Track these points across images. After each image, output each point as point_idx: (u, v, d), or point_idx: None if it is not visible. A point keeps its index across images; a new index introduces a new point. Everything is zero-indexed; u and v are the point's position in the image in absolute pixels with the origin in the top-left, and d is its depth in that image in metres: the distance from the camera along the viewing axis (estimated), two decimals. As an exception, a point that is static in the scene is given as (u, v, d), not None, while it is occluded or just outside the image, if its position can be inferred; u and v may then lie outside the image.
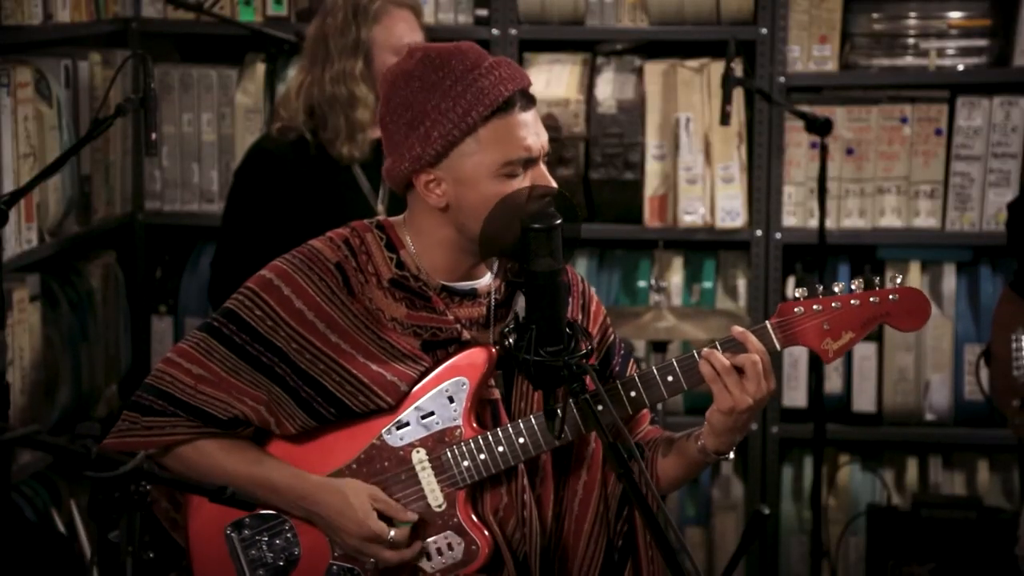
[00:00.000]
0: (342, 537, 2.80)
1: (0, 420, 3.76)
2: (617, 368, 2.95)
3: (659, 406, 4.04)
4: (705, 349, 2.77)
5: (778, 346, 2.79)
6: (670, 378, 2.79)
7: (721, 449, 2.82)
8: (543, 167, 2.78)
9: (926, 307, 2.78)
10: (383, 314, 2.80)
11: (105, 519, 2.34)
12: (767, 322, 2.79)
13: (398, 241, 2.84)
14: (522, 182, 2.75)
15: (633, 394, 2.80)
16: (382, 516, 2.80)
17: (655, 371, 2.80)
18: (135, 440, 2.81)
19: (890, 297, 2.77)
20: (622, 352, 2.98)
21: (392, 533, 2.79)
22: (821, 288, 2.79)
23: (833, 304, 2.78)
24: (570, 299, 2.88)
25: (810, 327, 2.78)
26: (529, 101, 2.77)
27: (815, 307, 2.78)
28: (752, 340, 2.76)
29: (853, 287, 2.78)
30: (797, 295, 2.79)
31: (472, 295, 2.85)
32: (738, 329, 2.77)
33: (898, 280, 2.78)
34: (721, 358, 2.74)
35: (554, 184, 2.77)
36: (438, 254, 2.82)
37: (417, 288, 2.81)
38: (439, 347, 2.82)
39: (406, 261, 2.82)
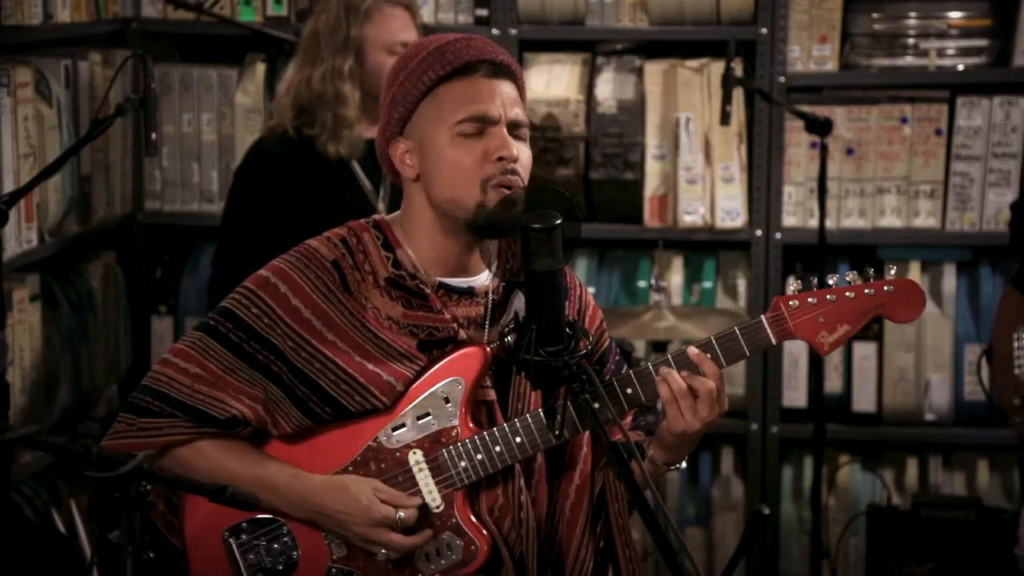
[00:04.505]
0: (351, 530, 2.79)
1: (0, 420, 3.75)
2: (608, 376, 2.92)
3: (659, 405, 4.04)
4: (662, 368, 2.76)
5: (773, 340, 2.78)
6: (629, 390, 2.79)
7: (670, 461, 2.84)
8: (504, 132, 2.76)
9: (921, 298, 2.77)
10: (379, 313, 2.80)
11: (105, 519, 2.34)
12: (762, 317, 2.78)
13: (394, 240, 2.84)
14: (479, 145, 2.75)
15: (630, 391, 2.80)
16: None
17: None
18: (131, 442, 2.80)
19: (885, 288, 2.76)
20: (616, 358, 2.98)
21: (401, 514, 2.78)
22: (816, 281, 2.78)
23: (828, 297, 2.76)
24: (567, 303, 2.87)
25: (805, 321, 2.77)
26: (499, 73, 2.77)
27: (810, 300, 2.76)
28: (707, 363, 2.75)
29: (848, 279, 2.77)
30: (792, 288, 2.79)
31: (470, 293, 2.84)
32: (693, 351, 2.75)
33: (892, 271, 2.77)
34: (679, 380, 2.74)
35: (515, 152, 2.75)
36: (428, 243, 2.82)
37: (414, 287, 2.81)
38: (436, 346, 2.81)
39: (402, 260, 2.82)
